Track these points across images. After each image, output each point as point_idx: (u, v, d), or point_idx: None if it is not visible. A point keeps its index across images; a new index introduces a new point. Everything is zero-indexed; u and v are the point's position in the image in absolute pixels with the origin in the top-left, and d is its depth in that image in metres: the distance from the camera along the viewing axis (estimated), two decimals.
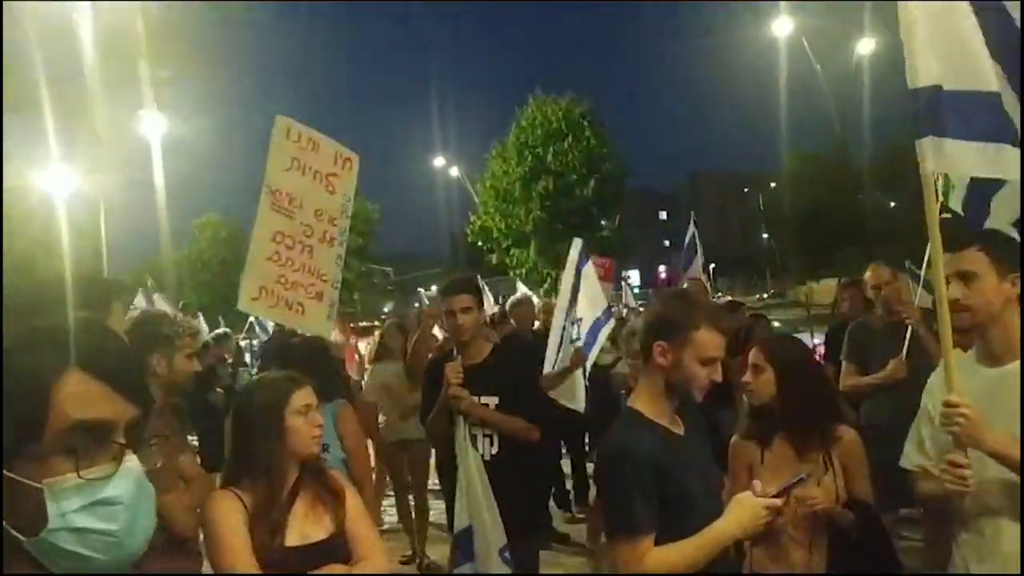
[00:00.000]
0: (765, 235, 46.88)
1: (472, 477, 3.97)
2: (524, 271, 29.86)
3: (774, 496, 2.57)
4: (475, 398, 4.17)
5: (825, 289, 37.89)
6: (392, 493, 8.02)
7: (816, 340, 14.40)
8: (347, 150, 5.28)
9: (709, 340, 2.58)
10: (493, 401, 4.20)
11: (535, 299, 10.47)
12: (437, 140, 71.01)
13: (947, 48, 2.65)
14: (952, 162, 2.69)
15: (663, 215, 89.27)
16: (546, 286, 28.68)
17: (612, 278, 8.48)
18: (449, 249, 60.34)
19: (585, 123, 30.90)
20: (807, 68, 33.09)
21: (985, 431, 2.50)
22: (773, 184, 49.23)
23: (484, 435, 4.18)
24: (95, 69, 13.57)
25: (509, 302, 9.33)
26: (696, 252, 10.76)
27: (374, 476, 8.33)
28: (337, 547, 2.80)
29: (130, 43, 14.56)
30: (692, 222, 11.29)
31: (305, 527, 2.78)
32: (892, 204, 36.01)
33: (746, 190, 71.09)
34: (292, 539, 2.73)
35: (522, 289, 12.01)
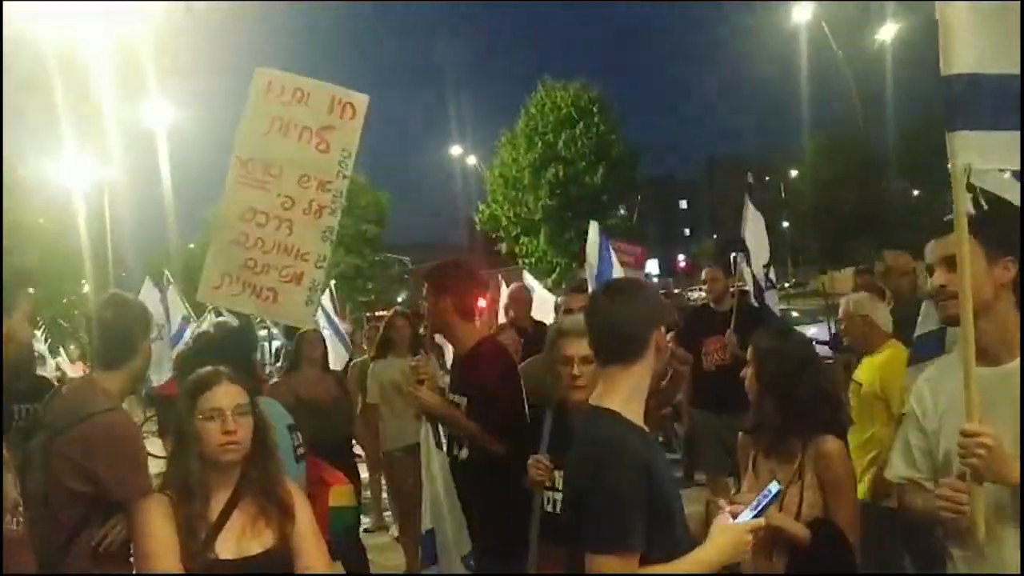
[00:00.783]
0: (785, 223, 46.17)
1: (435, 477, 3.71)
2: (533, 260, 29.49)
3: (754, 516, 2.37)
4: (449, 395, 3.90)
5: (845, 278, 37.50)
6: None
7: (835, 330, 14.39)
8: (349, 92, 4.60)
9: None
10: (463, 401, 3.82)
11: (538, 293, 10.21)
12: (454, 128, 70.60)
13: (986, 30, 2.32)
14: (985, 156, 2.37)
15: (683, 204, 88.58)
16: (555, 276, 28.41)
17: (642, 266, 8.02)
18: (465, 238, 60.12)
19: (594, 109, 30.44)
20: (828, 54, 32.58)
21: (1011, 463, 2.16)
22: (794, 172, 48.56)
23: (456, 436, 3.80)
24: (103, 59, 13.43)
25: (507, 293, 9.09)
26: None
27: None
28: (275, 563, 2.60)
29: (140, 33, 14.40)
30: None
31: (242, 540, 2.59)
32: (916, 192, 35.43)
33: (767, 178, 70.20)
34: (226, 552, 2.54)
35: (527, 280, 11.72)
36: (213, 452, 2.58)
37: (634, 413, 2.43)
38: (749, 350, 3.33)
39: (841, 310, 5.12)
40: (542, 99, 31.03)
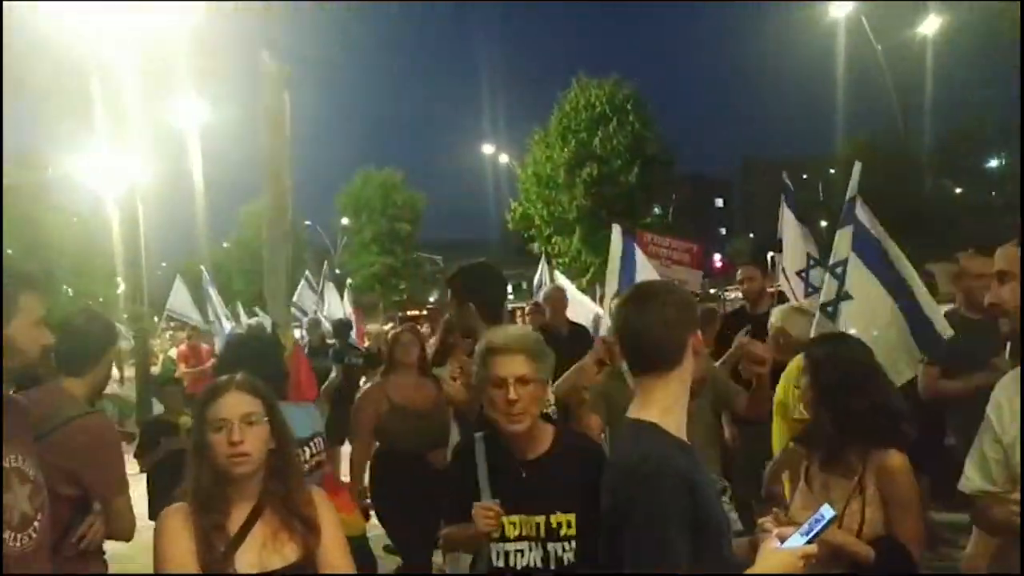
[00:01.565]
0: (824, 223, 45.57)
1: None
2: (567, 260, 29.29)
3: (807, 542, 2.18)
4: None
5: None
6: None
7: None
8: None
9: None
10: None
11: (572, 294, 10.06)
12: (486, 127, 70.59)
13: None
14: None
15: (719, 202, 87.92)
16: (588, 276, 28.20)
17: (701, 264, 7.71)
18: (499, 237, 60.15)
19: (629, 107, 30.17)
20: (867, 50, 32.02)
21: None
22: (832, 170, 47.90)
23: None
24: (136, 57, 13.49)
25: (542, 293, 8.98)
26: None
27: None
28: None
29: (174, 32, 14.46)
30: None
31: (264, 554, 2.48)
32: (958, 190, 34.78)
33: (805, 176, 69.32)
34: (246, 566, 2.44)
35: (559, 279, 11.59)
36: (222, 464, 2.47)
37: (675, 424, 2.29)
38: (805, 361, 3.20)
39: (770, 322, 5.15)
40: (576, 96, 30.80)
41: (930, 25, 29.49)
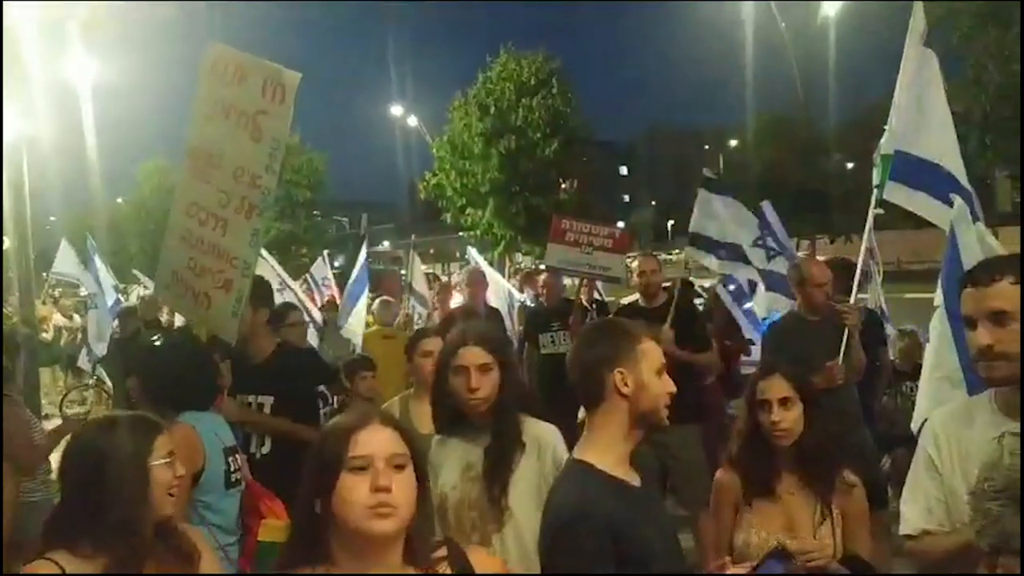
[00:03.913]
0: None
1: None
2: (479, 232, 29.01)
3: None
4: (251, 397, 4.33)
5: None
6: None
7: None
8: (280, 71, 4.02)
9: (653, 348, 2.36)
10: (268, 401, 4.34)
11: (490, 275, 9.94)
12: (394, 86, 68.74)
13: None
14: None
15: (624, 170, 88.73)
16: (500, 248, 28.08)
17: (625, 248, 7.49)
18: (408, 201, 59.33)
19: (553, 81, 29.88)
20: (773, 27, 32.68)
21: None
22: (734, 142, 48.92)
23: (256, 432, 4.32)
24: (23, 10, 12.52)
25: (463, 275, 8.84)
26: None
27: None
28: None
29: None
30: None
31: None
32: (850, 165, 35.90)
33: (706, 147, 70.83)
34: None
35: (472, 255, 11.42)
36: (162, 503, 2.37)
37: (613, 461, 2.28)
38: (787, 387, 3.08)
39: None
40: (503, 66, 30.26)
41: (832, 6, 30.33)
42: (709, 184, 7.18)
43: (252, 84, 4.05)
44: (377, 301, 8.58)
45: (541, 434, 2.94)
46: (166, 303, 4.49)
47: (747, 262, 7.05)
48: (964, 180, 4.61)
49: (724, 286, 7.59)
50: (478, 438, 2.94)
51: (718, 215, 7.04)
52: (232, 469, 3.51)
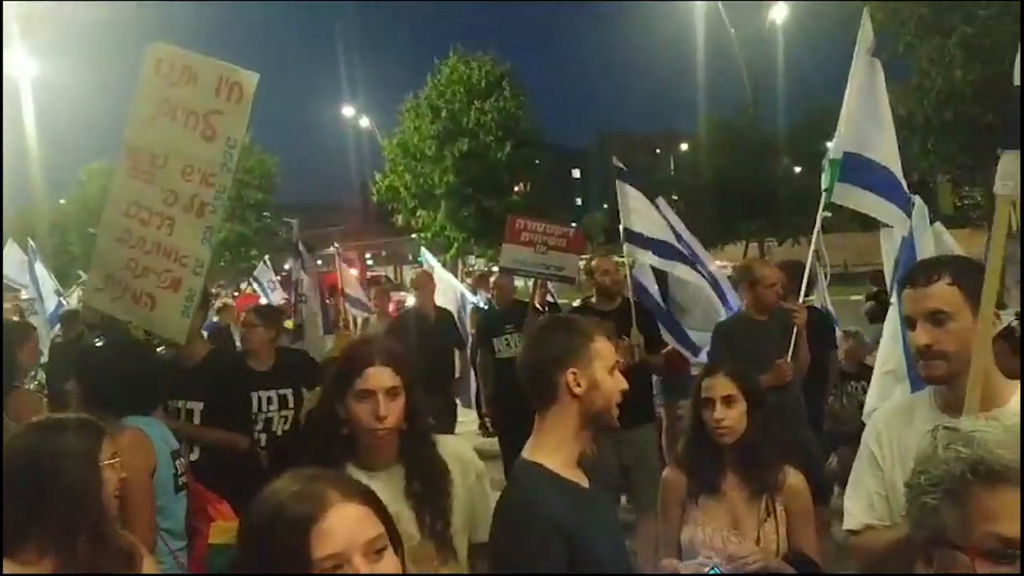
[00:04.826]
0: (675, 197, 47.23)
1: None
2: (430, 234, 28.91)
3: None
4: (180, 403, 4.33)
5: (729, 255, 38.82)
6: None
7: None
8: (236, 71, 4.05)
9: (606, 346, 2.32)
10: (198, 407, 4.33)
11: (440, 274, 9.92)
12: (345, 87, 68.39)
13: None
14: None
15: (576, 173, 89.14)
16: (452, 251, 28.04)
17: (579, 248, 7.40)
18: (359, 204, 58.89)
19: (504, 84, 29.89)
20: (723, 31, 33.21)
21: None
22: (684, 146, 49.46)
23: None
24: None
25: (410, 277, 8.85)
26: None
27: None
28: None
29: None
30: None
31: None
32: (797, 169, 36.51)
33: (657, 151, 71.54)
34: None
35: (426, 257, 11.39)
36: (109, 504, 2.34)
37: (562, 461, 2.25)
38: (731, 386, 3.09)
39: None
40: (453, 68, 30.16)
41: (779, 12, 30.93)
42: (621, 174, 6.97)
43: (204, 84, 4.04)
44: None
45: (460, 450, 2.72)
46: (98, 306, 4.37)
47: (684, 260, 6.84)
48: (905, 185, 4.75)
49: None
50: (376, 475, 2.42)
51: (639, 209, 6.86)
52: (179, 472, 3.47)
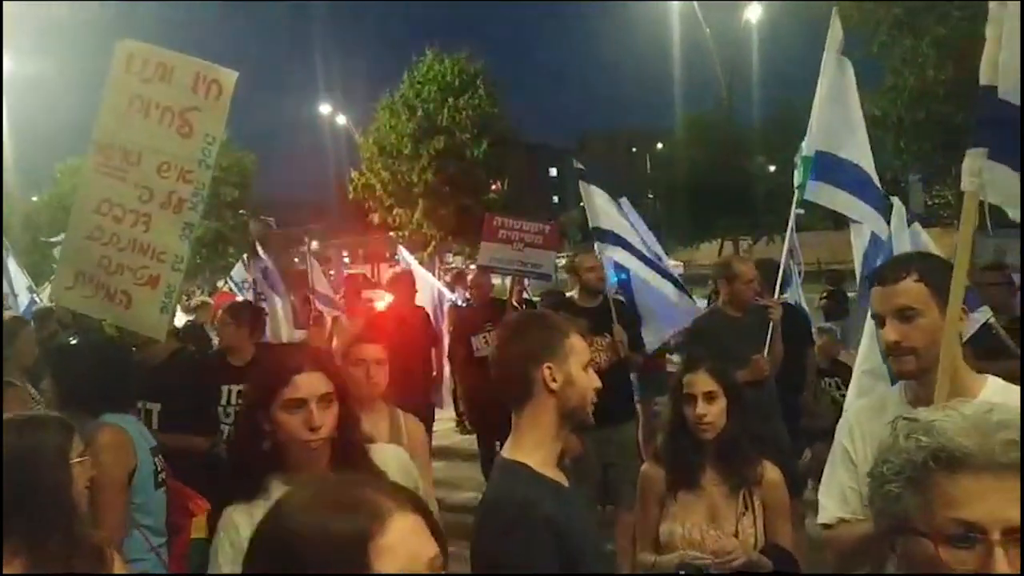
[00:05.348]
0: (651, 195, 47.44)
1: None
2: (407, 232, 28.81)
3: None
4: (139, 403, 4.23)
5: (705, 253, 39.04)
6: None
7: (697, 303, 14.91)
8: (215, 68, 4.10)
9: (581, 342, 2.30)
10: (156, 408, 4.34)
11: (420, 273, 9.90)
12: (322, 84, 68.06)
13: None
14: (997, 188, 2.27)
15: (553, 172, 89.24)
16: (430, 249, 27.94)
17: (556, 245, 7.39)
18: (337, 201, 58.55)
19: (479, 82, 29.85)
20: (698, 32, 33.42)
21: None
22: (660, 145, 49.62)
23: None
24: None
25: (386, 276, 8.83)
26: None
27: None
28: None
29: None
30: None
31: None
32: (772, 168, 36.76)
33: (634, 149, 71.73)
34: None
35: (404, 256, 11.35)
36: (79, 500, 2.35)
37: (543, 460, 2.22)
38: (711, 382, 3.14)
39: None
40: (428, 66, 30.06)
41: (754, 11, 31.19)
42: (583, 175, 7.10)
43: (180, 81, 4.06)
44: None
45: (396, 457, 2.67)
46: (68, 304, 4.35)
47: (646, 261, 6.81)
48: (878, 183, 4.83)
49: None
50: None
51: (606, 208, 6.89)
52: (159, 469, 3.46)
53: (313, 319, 9.57)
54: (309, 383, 2.31)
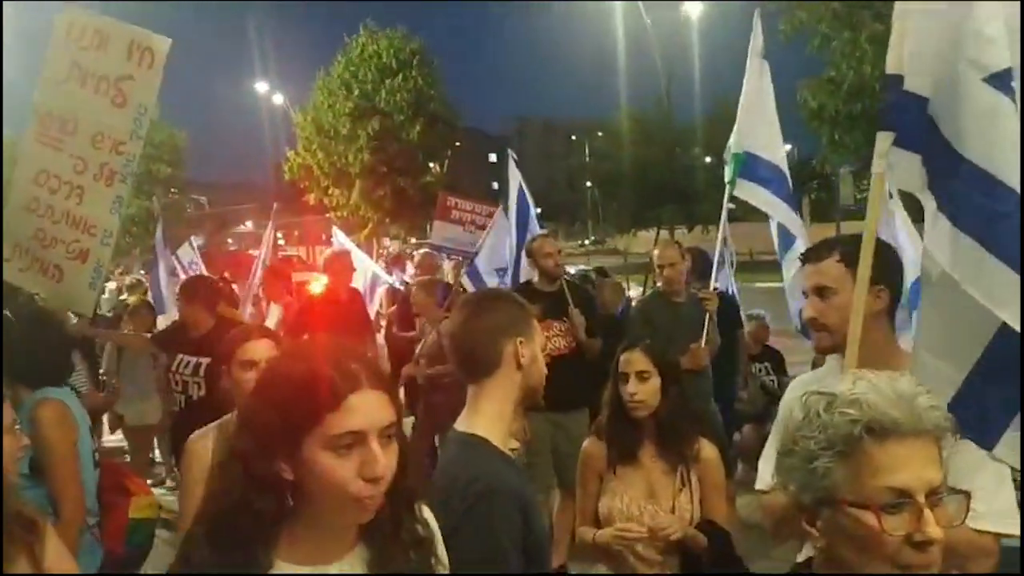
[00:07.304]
0: (588, 183, 47.76)
1: None
2: (345, 213, 28.47)
3: None
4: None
5: (642, 241, 39.54)
6: None
7: (632, 291, 15.08)
8: (148, 35, 4.00)
9: (538, 326, 2.33)
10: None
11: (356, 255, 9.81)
12: (258, 62, 66.65)
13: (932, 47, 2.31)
14: (900, 173, 2.37)
15: (492, 157, 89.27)
16: (367, 231, 27.68)
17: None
18: (271, 181, 57.58)
19: (415, 62, 29.57)
20: (640, 26, 33.72)
21: None
22: (600, 133, 49.94)
23: None
24: None
25: (323, 256, 8.72)
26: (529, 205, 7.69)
27: None
28: None
29: None
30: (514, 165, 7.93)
31: None
32: (708, 159, 37.33)
33: (572, 138, 72.20)
34: None
35: (339, 237, 11.24)
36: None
37: (500, 436, 2.22)
38: (645, 362, 3.22)
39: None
40: (364, 44, 29.60)
41: (694, 8, 31.66)
42: (516, 164, 7.43)
43: (115, 49, 3.98)
44: None
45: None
46: (7, 277, 4.25)
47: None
48: (790, 182, 5.23)
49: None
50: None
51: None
52: (95, 447, 3.43)
53: (254, 301, 9.40)
54: (367, 407, 1.48)
